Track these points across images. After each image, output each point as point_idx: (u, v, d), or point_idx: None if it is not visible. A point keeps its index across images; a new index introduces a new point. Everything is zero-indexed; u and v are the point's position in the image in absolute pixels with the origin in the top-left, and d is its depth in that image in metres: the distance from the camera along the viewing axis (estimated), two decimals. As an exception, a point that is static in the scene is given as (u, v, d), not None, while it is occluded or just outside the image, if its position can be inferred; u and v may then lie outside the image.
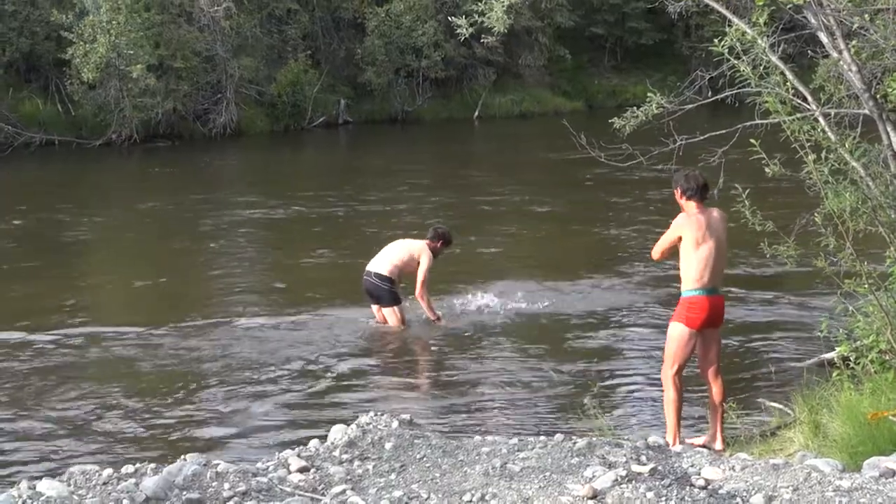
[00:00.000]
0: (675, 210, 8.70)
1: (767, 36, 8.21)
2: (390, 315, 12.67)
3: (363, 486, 5.67)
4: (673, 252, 8.61)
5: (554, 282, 15.13)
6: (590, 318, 13.24)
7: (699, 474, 5.64)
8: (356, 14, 41.10)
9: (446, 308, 13.33)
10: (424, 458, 5.99)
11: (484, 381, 10.94)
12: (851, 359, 8.25)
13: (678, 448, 6.54)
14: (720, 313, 8.60)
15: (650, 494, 5.26)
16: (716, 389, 8.64)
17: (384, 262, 12.72)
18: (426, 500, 5.45)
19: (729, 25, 8.33)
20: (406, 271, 12.81)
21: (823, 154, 8.01)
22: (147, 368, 11.39)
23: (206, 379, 11.05)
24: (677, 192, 8.54)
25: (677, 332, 8.49)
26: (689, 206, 8.47)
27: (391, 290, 12.67)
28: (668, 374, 8.55)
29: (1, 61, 33.17)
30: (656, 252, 8.70)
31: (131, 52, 32.36)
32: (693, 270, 8.37)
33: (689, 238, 8.34)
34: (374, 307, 12.84)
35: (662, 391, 8.75)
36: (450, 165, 29.93)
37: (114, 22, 31.98)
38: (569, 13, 46.03)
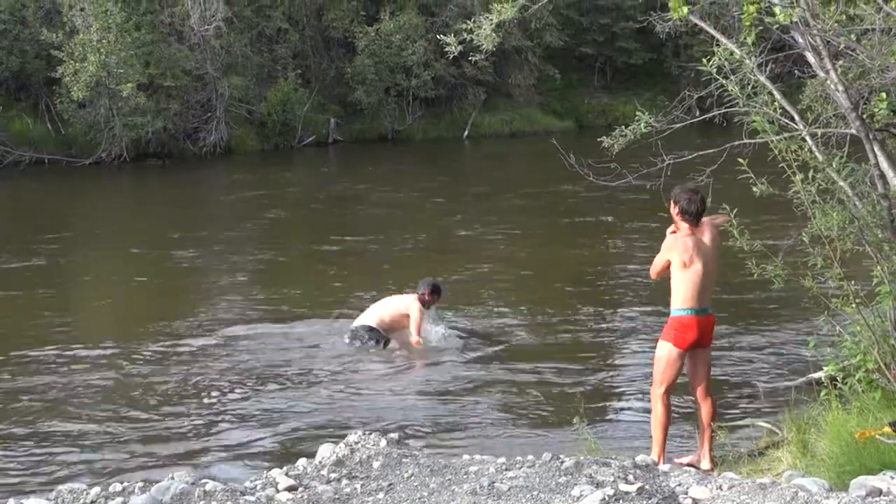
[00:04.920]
0: (666, 227, 8.71)
1: (755, 56, 8.24)
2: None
3: (351, 505, 5.68)
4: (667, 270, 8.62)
5: (542, 302, 15.14)
6: (578, 337, 13.24)
7: (686, 493, 5.65)
8: (346, 33, 41.18)
9: (435, 329, 13.32)
10: (412, 477, 5.99)
11: (472, 401, 10.94)
12: (839, 378, 8.26)
13: (665, 467, 6.54)
14: (709, 333, 8.59)
15: (638, 513, 5.27)
16: (705, 409, 8.64)
17: (372, 315, 12.77)
18: (414, 518, 5.45)
19: (717, 45, 8.36)
20: (394, 327, 12.81)
21: (811, 174, 8.04)
22: (134, 387, 11.36)
23: (193, 397, 11.03)
24: (674, 209, 8.52)
25: (665, 352, 8.49)
26: (682, 227, 8.48)
27: (378, 339, 12.64)
28: (656, 393, 8.55)
29: (-9, 80, 33.25)
30: (653, 272, 8.73)
31: (121, 70, 32.40)
32: (681, 291, 8.39)
33: (677, 261, 8.36)
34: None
35: (650, 410, 8.76)
36: (441, 184, 29.96)
37: (104, 41, 32.00)
38: (558, 33, 46.13)
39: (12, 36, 33.47)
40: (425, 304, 12.90)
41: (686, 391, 9.07)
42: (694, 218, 8.42)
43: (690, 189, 8.54)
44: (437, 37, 11.18)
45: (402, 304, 12.86)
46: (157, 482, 5.92)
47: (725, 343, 12.32)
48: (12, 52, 33.40)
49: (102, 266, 18.90)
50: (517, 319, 14.05)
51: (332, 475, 6.08)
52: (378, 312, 12.81)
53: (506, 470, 6.03)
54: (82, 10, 32.68)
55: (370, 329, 12.68)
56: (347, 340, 12.77)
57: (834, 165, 8.05)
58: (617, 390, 11.31)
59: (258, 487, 5.94)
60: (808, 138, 8.15)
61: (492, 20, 9.14)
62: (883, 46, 8.22)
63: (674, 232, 8.55)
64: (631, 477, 5.86)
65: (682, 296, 8.39)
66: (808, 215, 8.09)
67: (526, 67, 45.47)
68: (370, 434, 6.65)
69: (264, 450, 9.56)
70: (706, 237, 8.47)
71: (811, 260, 8.12)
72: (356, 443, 6.49)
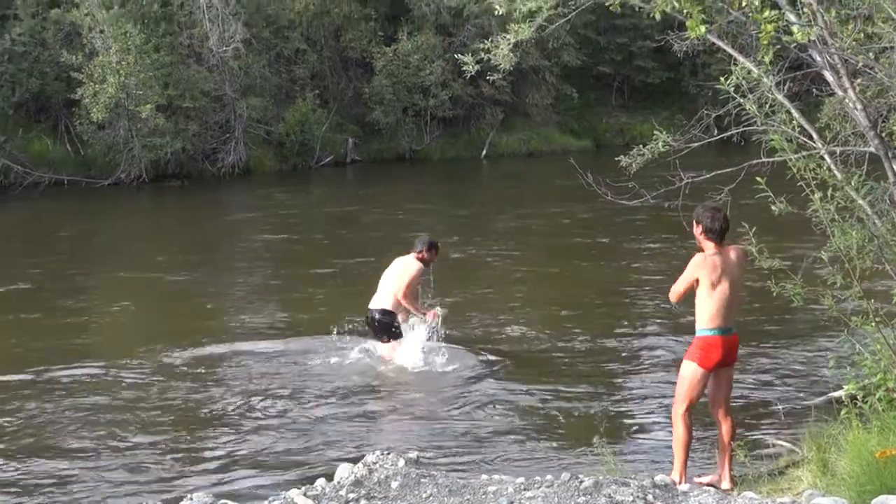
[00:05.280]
0: (687, 246, 8.68)
1: (773, 74, 8.23)
2: (391, 350, 12.70)
3: (369, 526, 5.67)
4: (690, 293, 8.57)
5: (561, 319, 15.13)
6: (598, 355, 13.22)
7: (706, 513, 5.63)
8: (364, 54, 41.27)
9: (450, 345, 13.31)
10: (431, 498, 5.98)
11: (490, 420, 10.92)
12: (859, 397, 8.23)
13: (685, 487, 6.52)
14: (734, 352, 8.57)
15: (657, 533, 5.25)
16: (725, 428, 8.61)
17: (385, 297, 12.77)
18: (432, 539, 5.44)
19: (735, 64, 8.36)
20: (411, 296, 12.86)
21: (830, 192, 8.02)
22: (152, 406, 11.38)
23: (210, 416, 11.04)
24: (698, 229, 8.47)
25: (690, 372, 8.45)
26: (707, 246, 8.42)
27: (392, 325, 12.71)
28: (678, 412, 8.52)
29: (11, 101, 33.35)
30: (674, 295, 8.58)
31: (140, 92, 32.54)
32: (708, 311, 8.34)
33: (705, 281, 8.30)
34: (375, 343, 12.91)
35: (671, 429, 8.73)
36: (461, 202, 30.01)
37: (123, 62, 32.16)
38: (576, 52, 46.13)
39: (32, 58, 33.64)
40: (425, 263, 12.92)
41: (705, 411, 9.03)
42: (718, 236, 8.39)
43: (712, 207, 8.50)
44: (455, 57, 11.21)
45: (402, 269, 12.87)
46: (177, 502, 5.92)
47: (745, 362, 12.27)
48: (32, 73, 33.57)
49: (116, 286, 18.92)
50: (533, 339, 14.02)
51: (351, 495, 6.08)
52: (390, 290, 12.81)
53: (524, 490, 6.02)
54: (102, 32, 32.86)
55: (384, 312, 12.72)
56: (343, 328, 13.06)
57: (853, 184, 8.04)
58: (636, 410, 11.26)
59: (276, 508, 5.94)
60: (826, 156, 8.14)
61: (509, 40, 9.16)
62: (901, 64, 8.21)
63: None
64: (650, 497, 5.84)
65: (707, 315, 8.36)
66: (827, 234, 8.08)
67: (543, 87, 45.48)
68: (388, 454, 6.65)
69: (282, 469, 9.55)
70: (732, 256, 8.44)
71: (830, 278, 8.10)
72: (374, 463, 6.49)
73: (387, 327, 12.74)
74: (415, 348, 12.84)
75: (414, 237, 13.74)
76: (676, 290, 8.55)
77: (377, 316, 12.74)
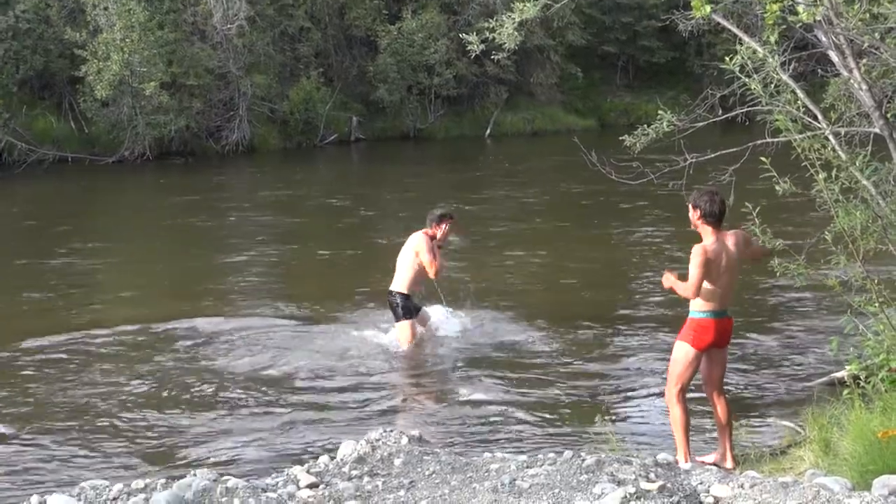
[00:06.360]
0: (686, 225, 8.67)
1: (778, 54, 8.22)
2: (403, 328, 12.66)
3: (372, 502, 5.69)
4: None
5: (562, 301, 15.14)
6: (599, 335, 13.22)
7: (708, 492, 5.64)
8: (368, 32, 41.22)
9: (455, 325, 13.33)
10: (433, 475, 6.00)
11: (493, 398, 10.93)
12: (862, 377, 8.23)
13: (687, 465, 6.54)
14: (727, 335, 8.58)
15: (659, 512, 5.26)
16: (720, 408, 8.62)
17: (400, 279, 12.72)
18: (435, 516, 5.46)
19: (740, 44, 8.34)
20: (420, 276, 12.78)
21: (834, 172, 8.02)
22: (156, 382, 11.39)
23: (215, 393, 11.06)
24: (695, 214, 8.39)
25: (682, 353, 8.45)
26: (705, 231, 8.36)
27: (404, 305, 12.68)
28: (671, 393, 8.52)
29: (15, 79, 33.32)
30: (692, 293, 8.28)
31: (144, 69, 32.55)
32: (703, 295, 8.33)
33: (710, 273, 8.27)
34: (392, 322, 12.92)
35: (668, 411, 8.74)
36: (460, 181, 30.02)
37: (127, 40, 32.15)
38: (580, 31, 46.08)
39: (36, 35, 33.59)
40: (438, 235, 12.75)
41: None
42: (717, 220, 8.34)
43: (709, 191, 8.44)
44: (460, 35, 11.19)
45: (412, 250, 12.77)
46: (180, 479, 5.94)
47: (748, 343, 12.28)
48: (36, 51, 33.54)
49: (120, 263, 18.96)
50: (536, 319, 14.01)
51: (354, 472, 6.10)
52: (403, 273, 12.71)
53: (527, 468, 6.04)
54: (106, 9, 32.83)
55: (402, 296, 12.68)
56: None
57: (857, 164, 8.03)
58: (638, 388, 11.27)
59: (279, 484, 5.96)
60: (831, 137, 8.14)
61: (514, 19, 9.15)
62: (907, 45, 8.20)
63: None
64: (652, 475, 5.85)
65: (703, 299, 8.34)
66: (830, 214, 8.07)
67: (548, 66, 45.42)
68: (392, 431, 6.66)
69: (285, 446, 9.57)
70: (729, 242, 8.39)
71: (834, 259, 8.10)
72: (377, 440, 6.50)
73: (398, 307, 12.69)
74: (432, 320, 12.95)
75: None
76: (693, 287, 8.34)
77: (394, 299, 12.70)
